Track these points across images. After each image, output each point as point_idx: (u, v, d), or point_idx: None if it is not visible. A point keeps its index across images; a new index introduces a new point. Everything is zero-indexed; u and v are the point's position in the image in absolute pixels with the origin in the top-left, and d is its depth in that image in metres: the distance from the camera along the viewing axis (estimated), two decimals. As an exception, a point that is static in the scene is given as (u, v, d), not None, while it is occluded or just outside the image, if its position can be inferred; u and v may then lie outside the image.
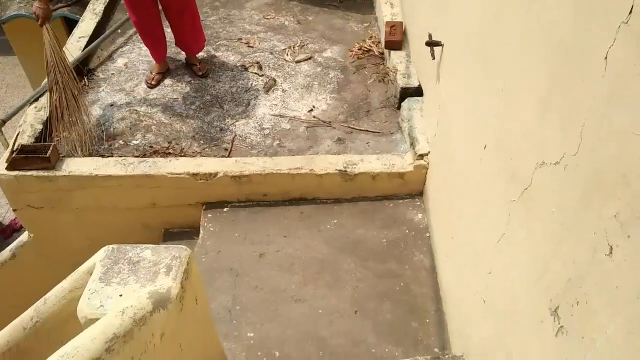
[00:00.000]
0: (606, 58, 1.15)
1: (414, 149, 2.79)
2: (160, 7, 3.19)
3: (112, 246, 1.47)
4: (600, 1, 1.17)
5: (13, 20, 4.97)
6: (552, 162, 1.42)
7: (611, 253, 1.13)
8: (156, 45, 3.33)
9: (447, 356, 2.09)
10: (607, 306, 1.11)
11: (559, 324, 1.25)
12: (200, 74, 3.42)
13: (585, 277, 1.20)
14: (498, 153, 1.85)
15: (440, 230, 2.54)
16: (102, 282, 1.36)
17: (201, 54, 3.54)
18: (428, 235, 2.69)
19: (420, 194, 2.87)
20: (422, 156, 2.75)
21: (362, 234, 2.68)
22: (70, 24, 4.82)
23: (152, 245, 1.47)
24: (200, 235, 2.65)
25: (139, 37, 3.37)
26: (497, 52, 1.84)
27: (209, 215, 2.76)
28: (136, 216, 2.82)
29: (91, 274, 1.39)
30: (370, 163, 2.79)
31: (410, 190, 2.86)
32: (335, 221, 2.75)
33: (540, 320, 1.34)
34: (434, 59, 2.55)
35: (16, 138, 2.71)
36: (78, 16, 4.45)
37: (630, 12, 1.05)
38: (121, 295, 1.32)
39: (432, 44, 2.50)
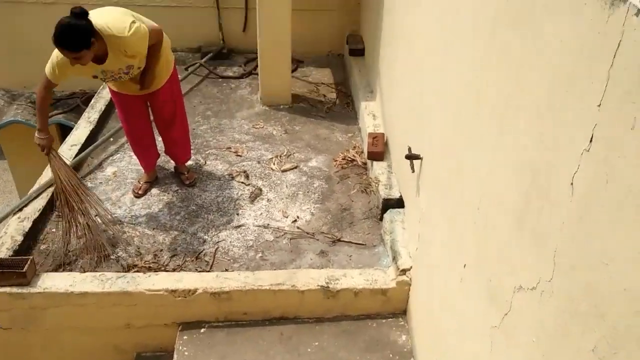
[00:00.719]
0: (572, 183, 1.18)
1: (396, 263, 2.78)
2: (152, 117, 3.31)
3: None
4: (563, 128, 1.22)
5: (8, 125, 5.12)
6: (529, 286, 1.41)
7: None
8: (145, 155, 3.41)
9: None
10: None
11: None
12: (187, 182, 3.48)
13: None
14: (477, 273, 1.84)
15: (425, 355, 2.45)
16: None
17: (189, 162, 3.62)
18: (412, 359, 2.60)
19: (403, 312, 2.80)
20: (404, 271, 2.73)
21: (344, 358, 2.58)
22: (65, 130, 4.98)
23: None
24: (174, 360, 2.54)
25: (130, 145, 3.46)
26: (471, 169, 1.88)
27: (185, 337, 2.64)
28: (109, 337, 2.71)
29: None
30: (353, 278, 2.75)
31: (393, 308, 2.79)
32: (316, 343, 2.65)
33: None
34: (413, 171, 2.61)
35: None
36: (73, 123, 4.60)
37: (591, 140, 1.10)
38: None
39: (411, 157, 2.57)
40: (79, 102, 5.06)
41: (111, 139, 3.88)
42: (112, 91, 3.14)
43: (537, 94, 1.37)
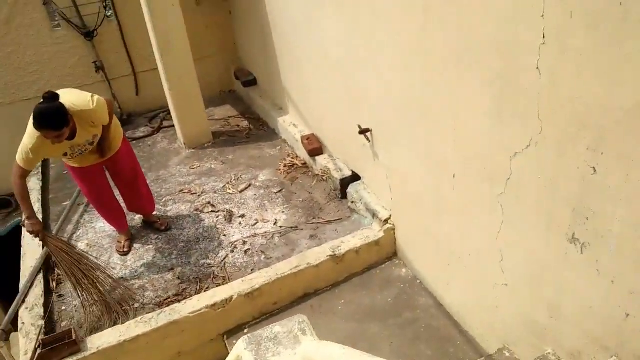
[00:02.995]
0: (537, 68, 1.74)
1: (378, 217, 3.38)
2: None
3: (246, 335, 1.76)
4: (520, 36, 1.90)
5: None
6: (523, 147, 1.91)
7: (595, 172, 1.66)
8: (116, 216, 3.56)
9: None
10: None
11: (580, 250, 1.83)
12: (163, 228, 3.71)
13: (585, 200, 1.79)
14: (469, 172, 2.31)
15: (430, 270, 3.07)
16: None
17: (155, 212, 3.84)
18: (419, 281, 3.20)
19: (394, 254, 3.41)
20: (386, 221, 3.34)
21: (370, 302, 3.09)
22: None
23: (277, 323, 1.79)
24: None
25: (100, 215, 3.58)
26: (438, 107, 2.38)
27: (233, 342, 2.92)
28: (162, 373, 2.89)
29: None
30: (350, 242, 3.29)
31: (386, 253, 3.39)
32: (342, 301, 3.13)
33: (563, 252, 1.91)
34: (369, 141, 3.25)
35: (39, 334, 2.68)
36: None
37: (543, 37, 1.73)
38: (283, 362, 1.61)
39: (363, 131, 3.21)
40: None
41: (64, 221, 3.92)
42: (73, 169, 3.22)
43: (489, 27, 1.92)
